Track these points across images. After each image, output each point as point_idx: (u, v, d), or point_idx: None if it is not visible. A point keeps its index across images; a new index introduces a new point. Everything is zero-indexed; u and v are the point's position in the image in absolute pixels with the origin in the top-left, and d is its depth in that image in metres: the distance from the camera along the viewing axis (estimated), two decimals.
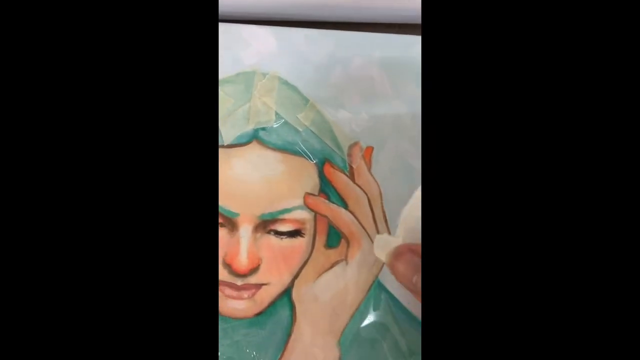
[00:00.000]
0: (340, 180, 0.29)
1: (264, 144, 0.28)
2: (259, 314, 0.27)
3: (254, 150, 0.28)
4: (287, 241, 0.28)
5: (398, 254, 0.22)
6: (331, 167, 0.29)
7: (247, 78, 0.29)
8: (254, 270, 0.27)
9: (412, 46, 0.30)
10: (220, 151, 0.28)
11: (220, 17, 0.28)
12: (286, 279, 0.28)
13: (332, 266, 0.28)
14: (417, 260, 0.20)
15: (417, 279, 0.20)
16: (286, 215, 0.28)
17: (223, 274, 0.27)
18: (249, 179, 0.28)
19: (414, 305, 0.28)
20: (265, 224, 0.28)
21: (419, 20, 0.34)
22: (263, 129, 0.28)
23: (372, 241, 0.28)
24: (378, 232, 0.28)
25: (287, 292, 0.28)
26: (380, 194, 0.29)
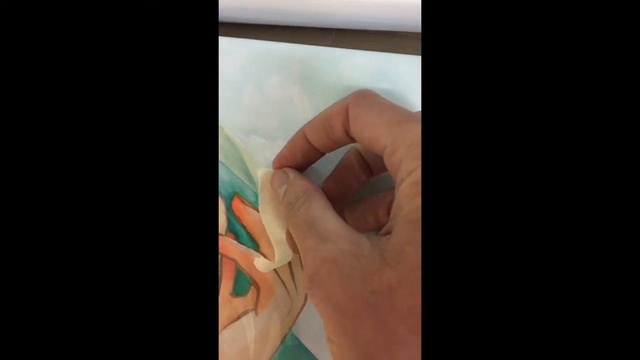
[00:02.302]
0: (251, 217, 0.25)
1: None
2: None
3: None
4: None
5: None
6: (241, 203, 0.25)
7: None
8: None
9: (341, 60, 0.25)
10: None
11: None
12: None
13: (239, 317, 0.24)
14: None
15: None
16: None
17: None
18: None
19: None
20: None
21: (357, 26, 0.30)
22: None
23: (286, 288, 0.25)
24: (294, 279, 0.25)
25: None
26: None
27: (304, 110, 0.25)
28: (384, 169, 0.24)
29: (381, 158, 0.24)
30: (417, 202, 0.15)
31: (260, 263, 0.24)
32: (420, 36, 0.31)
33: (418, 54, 0.27)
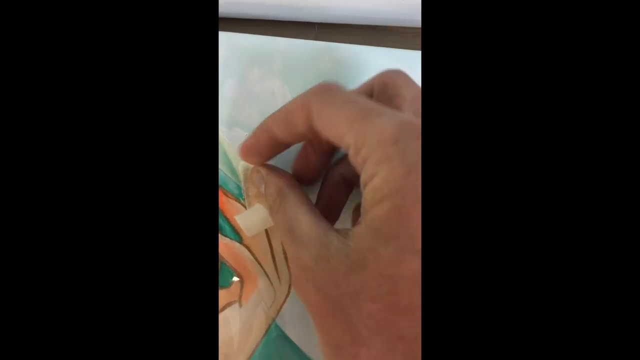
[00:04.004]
0: (234, 210, 0.25)
1: None
2: None
3: None
4: None
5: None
6: (224, 195, 0.25)
7: None
8: None
9: (323, 54, 0.26)
10: None
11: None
12: None
13: (223, 309, 0.25)
14: None
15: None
16: None
17: None
18: None
19: (316, 353, 0.25)
20: None
21: (340, 20, 0.30)
22: None
23: (269, 280, 0.25)
24: (277, 271, 0.25)
25: None
26: None
27: (285, 102, 0.25)
28: None
29: None
30: (379, 210, 0.15)
31: (241, 218, 0.23)
32: (401, 30, 0.31)
33: (400, 48, 0.27)
